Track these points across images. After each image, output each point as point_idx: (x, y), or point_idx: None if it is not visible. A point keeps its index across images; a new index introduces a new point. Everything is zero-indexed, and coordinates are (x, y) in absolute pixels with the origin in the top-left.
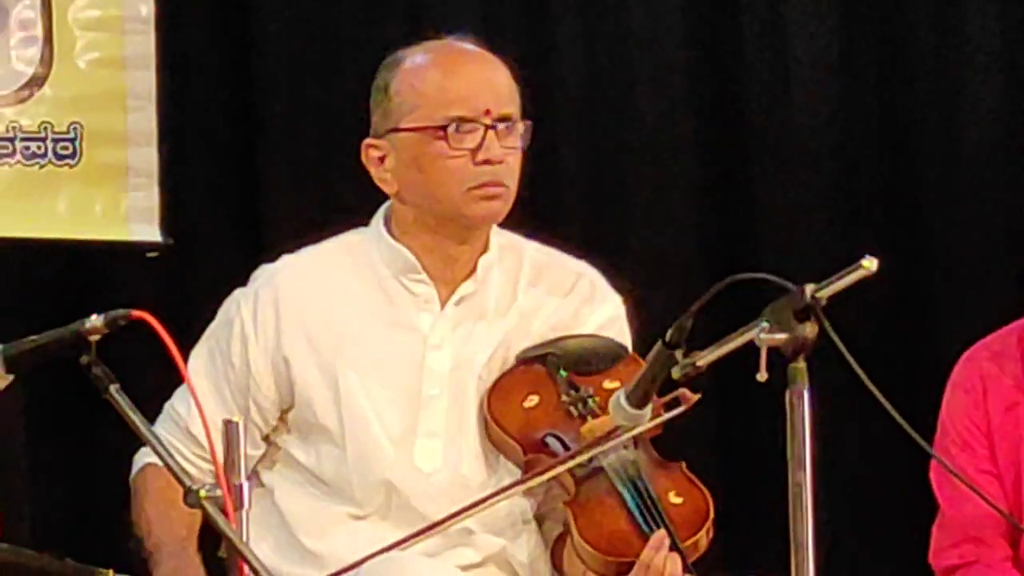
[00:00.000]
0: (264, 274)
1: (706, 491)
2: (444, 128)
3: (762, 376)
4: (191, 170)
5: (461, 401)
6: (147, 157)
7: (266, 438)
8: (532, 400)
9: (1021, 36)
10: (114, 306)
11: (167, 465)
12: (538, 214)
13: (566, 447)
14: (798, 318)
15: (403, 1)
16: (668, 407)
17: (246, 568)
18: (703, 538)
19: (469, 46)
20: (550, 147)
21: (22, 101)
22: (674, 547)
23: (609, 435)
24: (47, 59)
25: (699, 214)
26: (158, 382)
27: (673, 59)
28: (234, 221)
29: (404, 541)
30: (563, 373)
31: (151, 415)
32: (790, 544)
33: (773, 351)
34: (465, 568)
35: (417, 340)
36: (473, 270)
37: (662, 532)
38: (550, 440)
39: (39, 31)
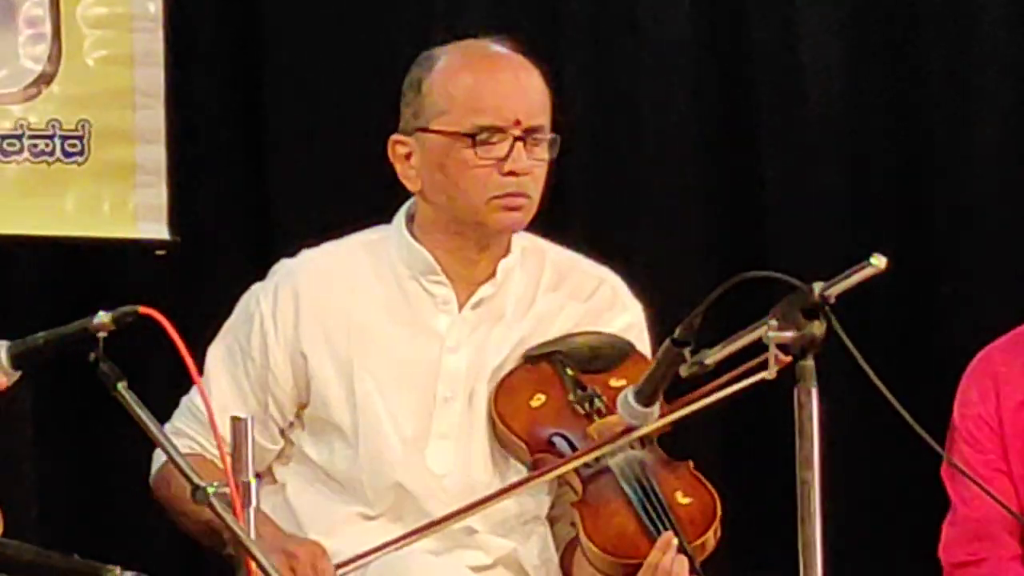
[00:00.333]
0: (283, 268)
1: (713, 491)
2: (472, 136)
3: (770, 374)
4: (199, 168)
5: (475, 404)
6: (155, 155)
7: (282, 433)
8: (539, 399)
9: None
10: (122, 304)
11: (175, 463)
12: (546, 213)
13: (573, 446)
14: (806, 316)
15: (411, 4)
16: (751, 372)
17: (254, 565)
18: (711, 538)
19: (504, 50)
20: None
21: (30, 99)
22: (681, 549)
23: (618, 434)
24: (55, 57)
25: (708, 213)
26: (166, 379)
27: (682, 59)
28: (242, 219)
29: (406, 537)
30: (569, 372)
31: (158, 412)
32: (798, 543)
33: (781, 349)
34: (475, 569)
35: (434, 342)
36: (493, 273)
37: (669, 534)
38: (557, 440)
39: (47, 28)
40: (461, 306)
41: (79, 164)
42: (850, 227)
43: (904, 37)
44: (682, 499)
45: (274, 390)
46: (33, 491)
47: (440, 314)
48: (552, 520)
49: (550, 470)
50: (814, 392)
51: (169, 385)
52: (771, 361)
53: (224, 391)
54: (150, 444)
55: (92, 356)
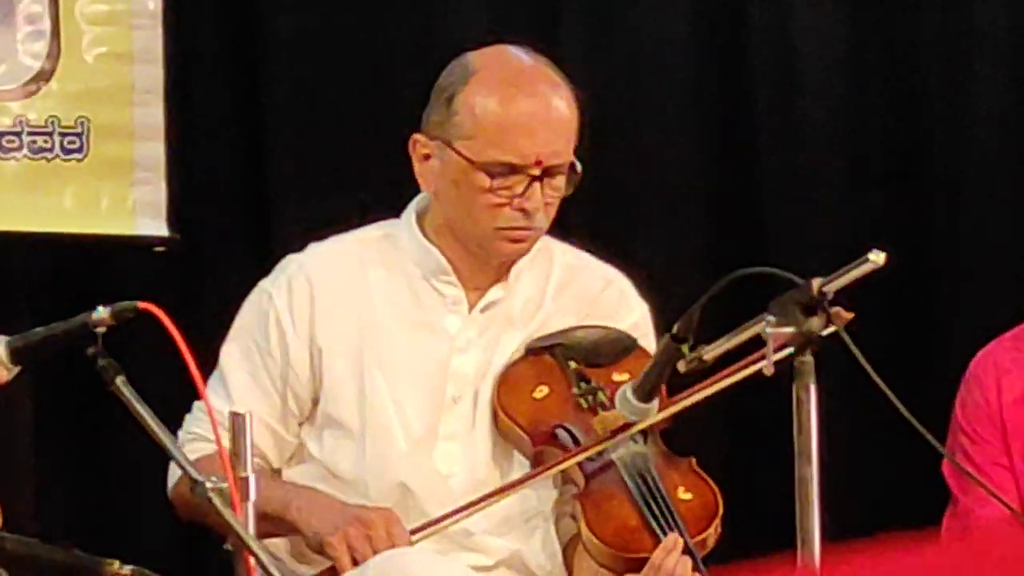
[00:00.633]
0: (293, 263)
1: (715, 487)
2: (491, 171)
3: (769, 370)
4: (198, 165)
5: (481, 405)
6: (154, 152)
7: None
8: (542, 391)
9: None
10: (121, 301)
11: (172, 457)
12: None
13: (575, 439)
14: (805, 312)
15: (409, 5)
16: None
17: (252, 561)
18: (712, 535)
19: (538, 66)
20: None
21: (29, 95)
22: (684, 547)
23: (621, 428)
24: (54, 53)
25: (707, 211)
26: (165, 375)
27: (681, 58)
28: (241, 216)
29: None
30: (572, 364)
31: (157, 407)
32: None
33: (780, 345)
34: (476, 569)
35: (443, 342)
36: (503, 274)
37: (676, 535)
38: (559, 432)
39: (46, 25)
40: (471, 306)
41: (78, 161)
42: (849, 224)
43: (903, 35)
44: (684, 495)
45: (293, 384)
46: (32, 485)
47: (450, 314)
48: (558, 516)
49: (553, 465)
50: (813, 388)
51: (168, 381)
52: (769, 357)
53: (244, 391)
54: (149, 439)
55: (91, 351)
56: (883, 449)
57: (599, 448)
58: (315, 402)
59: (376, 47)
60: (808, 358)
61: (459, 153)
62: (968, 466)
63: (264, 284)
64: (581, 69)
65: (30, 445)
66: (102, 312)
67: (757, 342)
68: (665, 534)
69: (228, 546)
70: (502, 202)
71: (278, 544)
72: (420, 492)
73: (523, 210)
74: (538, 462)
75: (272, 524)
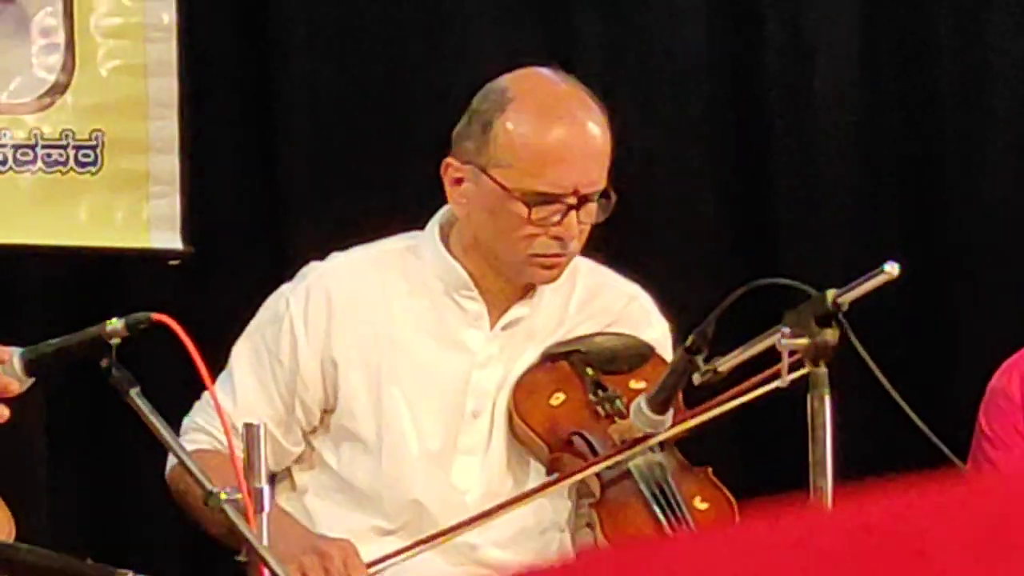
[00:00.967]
0: (314, 272)
1: (731, 497)
2: (529, 200)
3: (784, 381)
4: (213, 178)
5: (500, 421)
6: (168, 165)
7: (304, 436)
8: (558, 397)
9: None
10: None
11: (187, 469)
12: None
13: (592, 447)
14: (820, 323)
15: (426, 9)
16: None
17: (266, 572)
18: None
19: (574, 96)
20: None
21: (44, 108)
22: None
23: (639, 439)
24: (69, 66)
25: (720, 222)
26: (179, 386)
27: (694, 71)
28: (256, 229)
29: (415, 547)
30: (590, 372)
31: (170, 419)
32: None
33: (795, 356)
34: None
35: (464, 357)
36: (526, 292)
37: None
38: (576, 439)
39: (61, 38)
40: (493, 322)
41: (92, 174)
42: (864, 235)
43: (917, 44)
44: (700, 504)
45: (302, 394)
46: (46, 495)
47: (471, 329)
48: (575, 528)
49: (569, 475)
50: (827, 399)
51: (182, 392)
52: (784, 369)
53: (249, 391)
54: (162, 449)
55: (105, 362)
56: (897, 460)
57: (616, 459)
58: (326, 412)
59: (391, 61)
60: (823, 369)
61: (495, 181)
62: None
63: (284, 289)
64: (595, 81)
65: (44, 455)
66: (116, 324)
67: (772, 354)
68: None
69: (241, 557)
70: (537, 231)
71: None
72: (434, 507)
73: (559, 238)
74: (554, 469)
75: (236, 537)
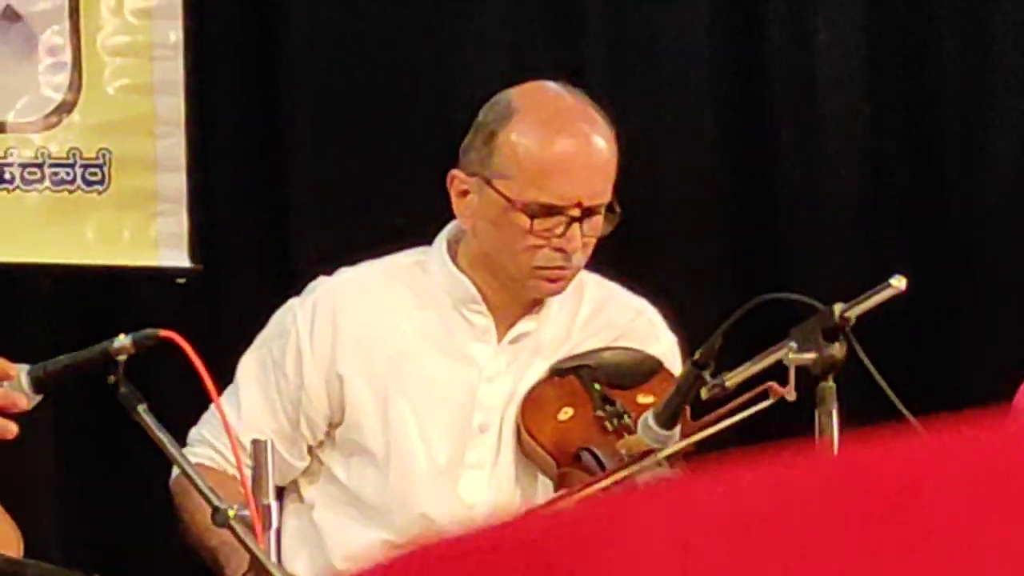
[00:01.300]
0: (322, 287)
1: None
2: (531, 211)
3: (791, 396)
4: (220, 196)
5: (508, 434)
6: (176, 183)
7: (311, 451)
8: (566, 412)
9: None
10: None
11: (195, 485)
12: None
13: (599, 461)
14: (827, 338)
15: (430, 22)
16: (755, 401)
17: None
18: None
19: (579, 109)
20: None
21: (51, 127)
22: None
23: (646, 453)
24: (76, 85)
25: (727, 236)
26: (186, 402)
27: (700, 84)
28: (263, 247)
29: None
30: (597, 386)
31: (178, 435)
32: None
33: (802, 371)
34: None
35: (471, 371)
36: (533, 306)
37: None
38: (583, 454)
39: (68, 57)
40: (500, 336)
41: (100, 192)
42: (869, 247)
43: (922, 57)
44: None
45: (307, 409)
46: (54, 511)
47: (478, 343)
48: None
49: (578, 490)
50: (835, 413)
51: (189, 408)
52: (791, 383)
53: (254, 404)
54: (170, 465)
55: (112, 379)
56: None
57: (623, 474)
58: (333, 426)
59: (397, 75)
60: (830, 383)
61: (499, 192)
62: None
63: (292, 303)
64: (600, 95)
65: (52, 472)
66: (123, 340)
67: (779, 368)
68: None
69: (249, 573)
70: (541, 243)
71: None
72: (442, 521)
73: (562, 250)
74: (562, 484)
75: (207, 552)
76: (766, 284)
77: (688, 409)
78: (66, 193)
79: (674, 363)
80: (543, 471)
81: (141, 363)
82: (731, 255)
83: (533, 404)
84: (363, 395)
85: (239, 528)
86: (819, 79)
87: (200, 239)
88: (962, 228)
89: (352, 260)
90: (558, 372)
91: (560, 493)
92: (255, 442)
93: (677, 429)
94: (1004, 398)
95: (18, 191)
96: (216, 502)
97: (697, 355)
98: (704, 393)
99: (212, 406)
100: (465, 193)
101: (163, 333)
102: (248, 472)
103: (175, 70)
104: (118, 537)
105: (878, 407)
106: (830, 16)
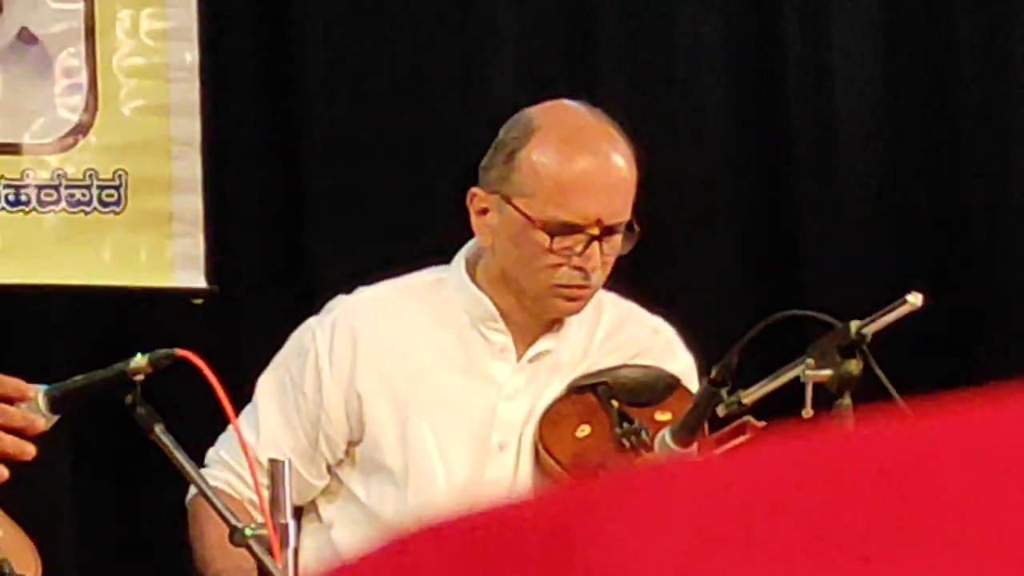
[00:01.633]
0: (341, 305)
1: None
2: (551, 229)
3: (808, 413)
4: (236, 217)
5: (527, 453)
6: (192, 204)
7: (329, 469)
8: (584, 430)
9: None
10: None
11: (212, 504)
12: None
13: None
14: (843, 354)
15: (448, 44)
16: (734, 434)
17: None
18: None
19: (599, 128)
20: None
21: (67, 149)
22: None
23: None
24: (92, 106)
25: (744, 253)
26: (204, 422)
27: (718, 105)
28: (279, 267)
29: None
30: (615, 404)
31: (196, 455)
32: None
33: (819, 388)
34: None
35: (490, 389)
36: (552, 324)
37: None
38: (601, 472)
39: (84, 78)
40: (520, 355)
41: (116, 214)
42: (888, 263)
43: (940, 77)
44: None
45: (326, 428)
46: (72, 532)
47: (497, 361)
48: None
49: None
50: None
51: (207, 428)
52: (808, 400)
53: (273, 424)
54: (187, 485)
55: (129, 399)
56: None
57: None
58: (352, 444)
59: (414, 98)
60: (847, 401)
61: (518, 210)
62: None
63: (311, 322)
64: (618, 112)
65: (70, 492)
66: (140, 360)
67: (796, 385)
68: None
69: None
70: (560, 261)
71: None
72: None
73: (581, 269)
74: None
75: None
76: (783, 301)
77: (706, 426)
78: (82, 214)
79: (692, 381)
80: None
81: (158, 383)
82: (748, 273)
83: (551, 422)
84: (382, 414)
85: (256, 547)
86: (837, 94)
87: (216, 260)
88: (981, 244)
89: (370, 279)
90: (576, 390)
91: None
92: (273, 461)
93: (695, 446)
94: None
95: (34, 212)
96: (234, 521)
97: (714, 372)
98: (721, 411)
99: (230, 426)
100: (485, 211)
101: (180, 352)
102: (265, 493)
103: (191, 91)
104: (136, 558)
105: None
106: (847, 31)
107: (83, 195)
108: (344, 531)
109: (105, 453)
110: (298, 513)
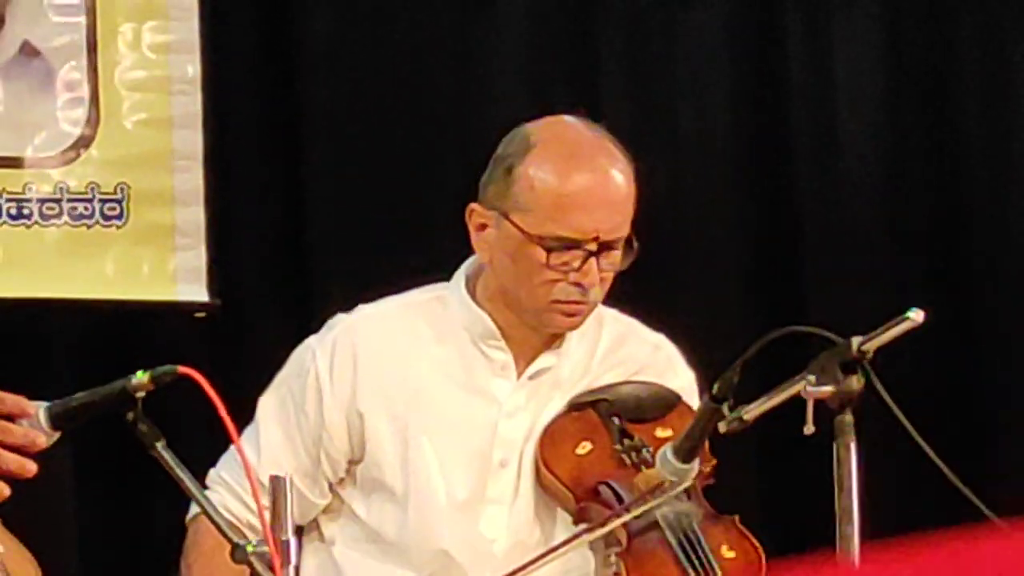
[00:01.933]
0: (341, 324)
1: (758, 545)
2: (548, 244)
3: (809, 429)
4: (238, 230)
5: (528, 471)
6: (194, 217)
7: (331, 488)
8: (585, 447)
9: None
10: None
11: (213, 521)
12: None
13: (619, 496)
14: (845, 371)
15: (450, 56)
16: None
17: None
18: None
19: (598, 144)
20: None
21: (69, 162)
22: None
23: (662, 487)
24: (94, 120)
25: (746, 269)
26: (205, 438)
27: (721, 123)
28: (282, 281)
29: None
30: (615, 420)
31: (198, 472)
32: None
33: (820, 404)
34: None
35: (491, 406)
36: (552, 341)
37: None
38: (602, 489)
39: (86, 92)
40: (520, 372)
41: (118, 227)
42: (889, 280)
43: (943, 93)
44: (727, 553)
45: (327, 447)
46: (74, 549)
47: (497, 378)
48: None
49: (597, 527)
50: (853, 447)
51: (209, 444)
52: (809, 417)
53: (275, 443)
54: (189, 501)
55: (131, 416)
56: (923, 508)
57: (647, 507)
58: (353, 462)
59: (417, 111)
60: (848, 417)
61: (516, 226)
62: None
63: (311, 341)
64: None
65: (71, 509)
66: (141, 377)
67: (797, 401)
68: None
69: None
70: (558, 277)
71: None
72: (462, 557)
73: (579, 284)
74: (581, 518)
75: None
76: (784, 317)
77: (707, 443)
78: (84, 228)
79: (692, 399)
80: (562, 505)
81: (160, 399)
82: (749, 289)
83: (551, 439)
84: (383, 432)
85: (257, 564)
86: (839, 112)
87: (219, 274)
88: (984, 261)
89: (371, 296)
90: (576, 406)
91: (582, 528)
92: (274, 478)
93: (696, 463)
94: None
95: (36, 226)
96: (235, 539)
97: (715, 389)
98: (722, 427)
99: (231, 447)
100: (483, 227)
101: (182, 370)
102: (267, 515)
103: (193, 104)
104: (137, 574)
105: (896, 441)
106: (849, 51)
107: (85, 209)
108: (345, 549)
109: (107, 470)
110: (299, 531)
